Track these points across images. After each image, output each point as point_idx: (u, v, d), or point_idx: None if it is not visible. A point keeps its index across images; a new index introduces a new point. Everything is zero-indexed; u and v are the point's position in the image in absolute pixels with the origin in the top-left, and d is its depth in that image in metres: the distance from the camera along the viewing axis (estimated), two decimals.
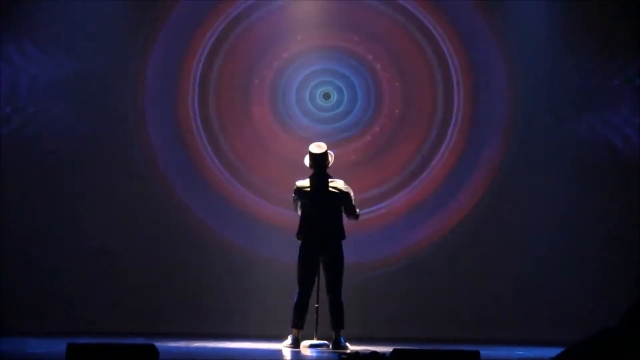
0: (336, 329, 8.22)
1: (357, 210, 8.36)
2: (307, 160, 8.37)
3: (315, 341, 8.29)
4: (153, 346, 5.98)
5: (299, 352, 8.07)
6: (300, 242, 8.30)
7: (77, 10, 10.05)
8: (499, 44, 10.36)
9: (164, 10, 10.25)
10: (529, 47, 10.36)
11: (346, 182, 8.35)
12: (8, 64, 10.04)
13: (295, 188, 8.33)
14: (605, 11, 10.26)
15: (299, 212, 8.33)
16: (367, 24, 10.33)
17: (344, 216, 8.33)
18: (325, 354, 7.97)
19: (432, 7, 10.35)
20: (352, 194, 8.31)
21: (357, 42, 10.34)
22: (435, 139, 10.38)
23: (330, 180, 8.31)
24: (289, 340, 8.27)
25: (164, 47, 10.24)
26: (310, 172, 8.35)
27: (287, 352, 8.03)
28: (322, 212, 8.25)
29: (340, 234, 8.27)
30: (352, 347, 8.16)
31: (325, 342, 8.29)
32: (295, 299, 8.25)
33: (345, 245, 8.30)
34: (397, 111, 10.39)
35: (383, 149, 10.37)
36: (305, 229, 8.27)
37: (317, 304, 8.31)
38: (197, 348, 8.22)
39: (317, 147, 8.34)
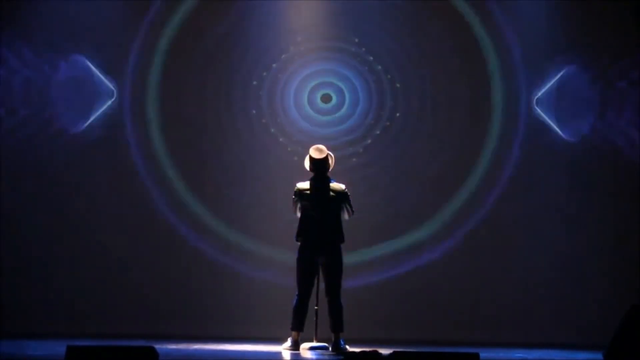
0: (336, 332, 8.22)
1: (353, 209, 8.35)
2: (307, 164, 8.37)
3: (314, 344, 8.29)
4: (153, 348, 5.99)
5: (299, 354, 8.07)
6: (299, 244, 8.30)
7: (75, 10, 10.05)
8: (499, 44, 10.36)
9: (164, 12, 10.24)
10: (528, 48, 10.35)
11: (347, 186, 8.36)
12: (5, 66, 10.05)
13: (295, 190, 8.33)
14: (606, 13, 10.26)
15: (299, 214, 8.33)
16: (367, 24, 10.34)
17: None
18: (325, 357, 7.96)
19: (430, 7, 10.34)
20: (350, 195, 8.33)
21: (357, 44, 10.35)
22: (436, 140, 10.37)
23: (330, 183, 8.30)
24: (288, 342, 8.27)
25: (164, 49, 10.24)
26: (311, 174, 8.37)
27: (286, 355, 8.02)
28: (322, 215, 8.25)
29: (340, 236, 8.26)
30: (351, 350, 8.15)
31: (325, 344, 8.29)
32: (295, 302, 8.25)
33: (344, 247, 8.29)
34: (397, 113, 10.39)
35: (382, 150, 10.36)
36: (305, 232, 8.26)
37: (316, 306, 8.31)
38: (196, 350, 8.21)
39: (318, 152, 8.33)
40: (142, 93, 10.26)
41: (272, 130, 10.34)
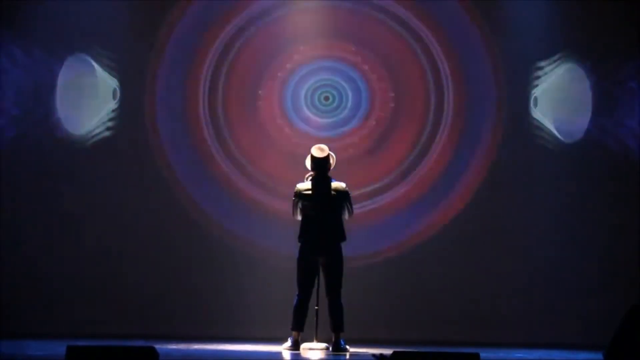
0: (336, 332, 8.21)
1: (353, 209, 8.36)
2: (308, 163, 8.37)
3: (315, 344, 8.29)
4: (153, 348, 5.99)
5: (299, 354, 8.07)
6: (299, 244, 8.30)
7: (77, 11, 10.06)
8: (493, 44, 10.35)
9: (171, 12, 10.25)
10: (524, 48, 10.36)
11: (348, 186, 8.36)
12: (7, 66, 10.06)
13: (295, 191, 8.32)
14: (605, 12, 10.27)
15: (299, 218, 8.32)
16: (363, 31, 10.34)
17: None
18: (325, 357, 7.96)
19: (425, 10, 10.35)
20: (350, 195, 8.33)
21: (354, 51, 10.34)
22: (429, 137, 10.36)
23: (331, 182, 8.31)
24: (289, 342, 8.27)
25: (171, 49, 10.23)
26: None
27: (287, 355, 8.02)
28: (323, 215, 8.24)
29: (341, 236, 8.26)
30: (352, 350, 8.16)
31: (325, 344, 8.29)
32: (295, 302, 8.25)
33: (344, 246, 8.29)
34: (391, 111, 10.38)
35: (377, 148, 10.35)
36: (306, 232, 8.27)
37: (317, 306, 8.31)
38: (196, 350, 8.21)
39: (319, 151, 8.34)
40: (145, 94, 10.25)
41: (272, 131, 10.34)
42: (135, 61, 10.22)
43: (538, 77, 10.37)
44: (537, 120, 10.35)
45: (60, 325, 9.61)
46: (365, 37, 10.37)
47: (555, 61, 10.36)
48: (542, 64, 10.35)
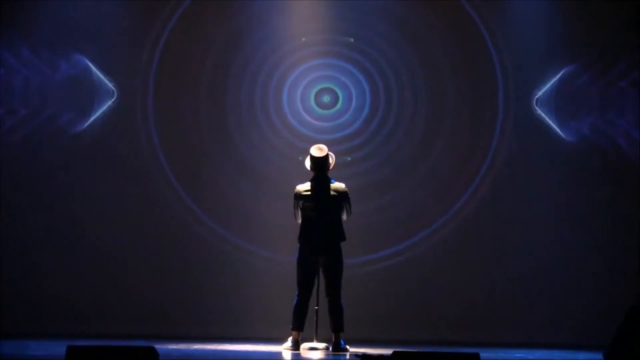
0: (336, 332, 8.22)
1: (351, 210, 8.37)
2: (307, 163, 8.37)
3: (315, 344, 8.29)
4: (153, 348, 6.00)
5: (299, 354, 8.07)
6: (299, 244, 8.30)
7: (75, 11, 10.06)
8: (496, 44, 10.35)
9: (165, 13, 10.24)
10: (528, 48, 10.36)
11: (346, 185, 8.36)
12: (5, 66, 10.06)
13: (295, 192, 8.33)
14: (606, 12, 10.27)
15: (299, 220, 8.32)
16: (372, 27, 10.33)
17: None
18: (325, 357, 7.96)
19: (432, 8, 10.34)
20: (350, 195, 8.33)
21: (361, 46, 10.34)
22: (431, 137, 10.36)
23: (331, 183, 8.31)
24: (289, 342, 8.27)
25: (169, 49, 10.22)
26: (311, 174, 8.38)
27: (287, 355, 8.03)
28: (323, 215, 8.25)
29: (340, 236, 8.26)
30: (352, 350, 8.16)
31: (325, 344, 8.29)
32: (295, 302, 8.26)
33: (344, 247, 8.29)
34: (394, 109, 10.38)
35: (378, 149, 10.35)
36: (306, 232, 8.27)
37: (316, 306, 8.31)
38: (197, 350, 8.21)
39: (318, 150, 8.34)
40: (143, 94, 10.25)
41: (271, 132, 10.33)
42: (132, 61, 10.20)
43: (541, 78, 10.36)
44: (540, 121, 10.35)
45: (60, 325, 9.61)
46: (369, 39, 10.34)
47: (556, 61, 10.35)
48: (543, 64, 10.34)
